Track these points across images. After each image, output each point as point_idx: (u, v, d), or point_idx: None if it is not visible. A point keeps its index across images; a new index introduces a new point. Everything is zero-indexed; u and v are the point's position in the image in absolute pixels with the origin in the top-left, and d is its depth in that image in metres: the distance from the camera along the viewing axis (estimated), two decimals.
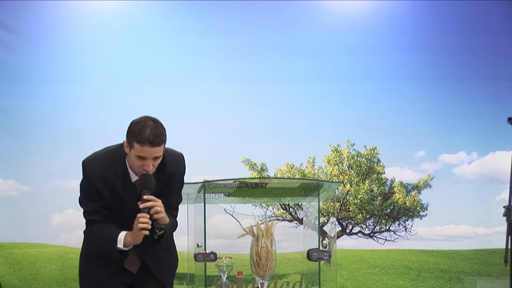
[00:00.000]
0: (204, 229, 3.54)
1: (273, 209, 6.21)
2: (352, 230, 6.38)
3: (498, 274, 6.18)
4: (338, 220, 6.34)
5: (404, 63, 6.28)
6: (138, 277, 3.21)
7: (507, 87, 6.30)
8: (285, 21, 6.24)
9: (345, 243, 6.32)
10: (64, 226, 6.05)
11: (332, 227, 6.12)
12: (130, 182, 3.21)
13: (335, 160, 6.38)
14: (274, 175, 6.27)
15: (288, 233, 5.96)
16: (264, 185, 3.74)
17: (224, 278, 3.56)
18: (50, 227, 6.03)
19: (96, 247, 3.20)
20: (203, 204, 3.57)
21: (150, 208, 3.05)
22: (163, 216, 3.08)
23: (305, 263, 3.72)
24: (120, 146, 3.27)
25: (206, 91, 6.18)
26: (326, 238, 5.78)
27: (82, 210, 3.22)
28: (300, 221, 6.10)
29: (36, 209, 6.02)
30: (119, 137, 6.31)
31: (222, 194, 3.71)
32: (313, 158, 6.36)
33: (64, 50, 6.08)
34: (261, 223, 3.55)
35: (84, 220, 3.25)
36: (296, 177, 6.20)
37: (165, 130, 3.14)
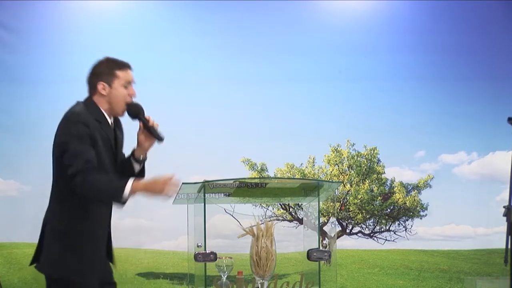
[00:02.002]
0: (204, 229, 3.53)
1: (273, 209, 6.21)
2: (352, 230, 6.38)
3: (498, 274, 6.18)
4: (338, 220, 6.34)
5: (404, 63, 6.28)
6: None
7: (507, 87, 6.30)
8: (285, 21, 6.24)
9: (345, 243, 6.32)
10: None
11: (332, 227, 6.12)
12: (110, 126, 3.38)
13: (335, 160, 6.38)
14: (274, 175, 6.27)
15: (288, 233, 5.96)
16: (264, 185, 3.74)
17: (224, 278, 3.55)
18: None
19: (97, 191, 3.16)
20: (203, 204, 3.57)
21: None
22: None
23: (305, 263, 3.72)
24: (86, 99, 3.45)
25: (206, 91, 6.18)
26: (326, 238, 5.78)
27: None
28: (300, 221, 6.10)
29: (36, 209, 6.00)
30: None
31: (222, 194, 3.71)
32: (313, 158, 6.36)
33: (64, 50, 6.08)
34: (261, 223, 3.55)
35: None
36: (296, 177, 6.20)
37: None
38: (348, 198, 6.38)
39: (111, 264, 3.49)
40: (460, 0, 6.32)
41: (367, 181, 6.40)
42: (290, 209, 6.25)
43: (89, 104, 3.43)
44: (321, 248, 3.64)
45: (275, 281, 3.63)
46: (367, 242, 6.36)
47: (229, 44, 6.16)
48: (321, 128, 6.29)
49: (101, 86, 3.38)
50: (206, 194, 3.59)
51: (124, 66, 3.46)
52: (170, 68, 6.17)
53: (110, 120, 3.41)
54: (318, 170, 6.36)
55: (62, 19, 6.11)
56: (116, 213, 6.15)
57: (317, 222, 3.78)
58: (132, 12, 6.17)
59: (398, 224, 6.38)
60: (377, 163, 6.40)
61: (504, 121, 3.59)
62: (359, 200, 6.35)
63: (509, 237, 3.29)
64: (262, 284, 3.54)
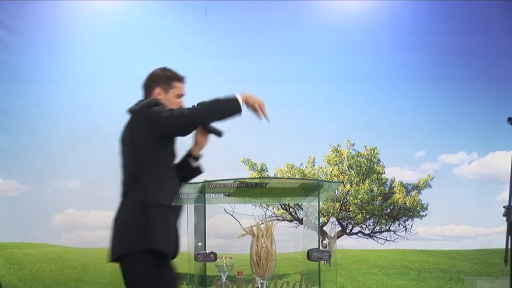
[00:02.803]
0: (204, 229, 3.53)
1: (273, 209, 6.21)
2: (352, 230, 6.38)
3: (498, 274, 6.18)
4: (338, 220, 6.34)
5: (404, 63, 6.28)
6: None
7: (507, 87, 6.30)
8: (285, 21, 6.24)
9: (345, 243, 6.33)
10: (64, 226, 6.05)
11: (332, 227, 6.12)
12: None
13: (335, 160, 6.39)
14: (274, 175, 6.27)
15: (288, 233, 5.96)
16: (264, 185, 3.74)
17: (224, 278, 3.55)
18: (50, 227, 6.03)
19: (214, 113, 3.48)
20: (203, 204, 3.57)
21: None
22: None
23: (305, 263, 3.72)
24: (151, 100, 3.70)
25: (206, 91, 6.14)
26: (326, 238, 5.78)
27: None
28: (300, 221, 6.10)
29: (36, 209, 6.02)
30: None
31: (222, 194, 3.70)
32: (313, 158, 6.36)
33: (64, 50, 6.09)
34: (261, 223, 3.55)
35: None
36: (296, 177, 6.20)
37: None
38: (348, 198, 6.38)
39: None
40: (460, 0, 6.32)
41: (367, 181, 6.40)
42: (290, 209, 6.25)
43: (153, 99, 3.73)
44: (321, 248, 3.64)
45: (275, 281, 3.63)
46: (367, 242, 6.37)
47: (229, 44, 6.17)
48: (321, 128, 6.29)
49: (157, 91, 3.74)
50: (206, 194, 3.58)
51: (181, 79, 3.84)
52: (170, 68, 6.16)
53: None
54: (318, 170, 6.37)
55: (62, 19, 6.12)
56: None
57: (317, 222, 3.78)
58: (132, 12, 6.17)
59: (398, 224, 6.38)
60: (377, 163, 6.40)
61: (504, 121, 3.60)
62: (359, 200, 6.35)
63: (509, 237, 3.30)
64: (262, 284, 3.54)
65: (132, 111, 3.79)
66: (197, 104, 3.54)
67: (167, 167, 3.63)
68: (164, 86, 3.76)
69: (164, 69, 3.84)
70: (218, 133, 3.87)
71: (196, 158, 3.90)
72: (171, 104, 3.71)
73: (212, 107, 3.51)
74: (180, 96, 3.77)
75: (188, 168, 3.88)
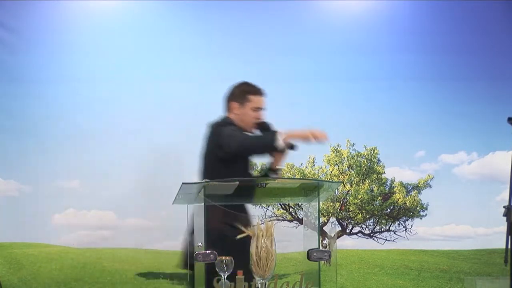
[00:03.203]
0: (204, 229, 3.53)
1: (273, 209, 6.21)
2: (352, 230, 6.38)
3: (498, 274, 6.18)
4: (338, 220, 6.34)
5: (404, 63, 6.28)
6: None
7: (507, 87, 6.30)
8: (285, 21, 6.24)
9: (345, 243, 6.32)
10: (64, 226, 6.05)
11: (332, 227, 6.12)
12: None
13: (335, 160, 6.39)
14: None
15: (288, 233, 5.96)
16: (264, 185, 3.74)
17: (224, 278, 3.55)
18: (50, 227, 6.03)
19: (250, 147, 3.66)
20: (203, 204, 3.57)
21: None
22: None
23: (305, 263, 3.72)
24: (224, 116, 3.94)
25: (206, 91, 6.17)
26: (326, 238, 5.77)
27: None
28: (300, 221, 6.10)
29: (36, 209, 6.01)
30: (120, 137, 6.31)
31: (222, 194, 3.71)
32: (313, 158, 6.36)
33: (64, 50, 6.08)
34: (261, 223, 3.55)
35: None
36: (296, 177, 6.20)
37: None
38: (348, 198, 6.38)
39: None
40: (460, 0, 6.32)
41: (367, 181, 6.40)
42: (290, 209, 6.25)
43: (226, 119, 3.98)
44: (321, 248, 3.64)
45: (275, 281, 3.63)
46: (367, 242, 6.37)
47: (229, 44, 6.16)
48: (321, 128, 6.27)
49: (233, 105, 3.95)
50: (206, 194, 3.58)
51: (256, 91, 3.97)
52: (170, 68, 6.17)
53: None
54: (318, 170, 6.36)
55: (62, 19, 6.11)
56: (116, 213, 6.17)
57: (317, 222, 3.78)
58: (132, 12, 6.17)
59: (398, 224, 6.38)
60: (377, 163, 6.40)
61: (504, 121, 3.60)
62: (359, 200, 6.35)
63: (509, 237, 3.30)
64: (262, 284, 3.54)
65: (210, 125, 4.00)
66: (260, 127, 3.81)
67: None
68: (239, 101, 3.93)
69: (242, 84, 4.01)
70: (291, 147, 3.93)
71: (275, 172, 4.01)
72: (247, 117, 3.90)
73: (249, 142, 3.71)
74: (256, 109, 3.92)
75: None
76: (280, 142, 3.66)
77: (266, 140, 3.69)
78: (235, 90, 3.98)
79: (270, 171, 4.06)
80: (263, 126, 3.93)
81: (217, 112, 6.30)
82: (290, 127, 6.28)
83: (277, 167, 3.98)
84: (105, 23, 6.13)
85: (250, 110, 3.89)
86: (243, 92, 3.93)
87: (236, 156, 3.82)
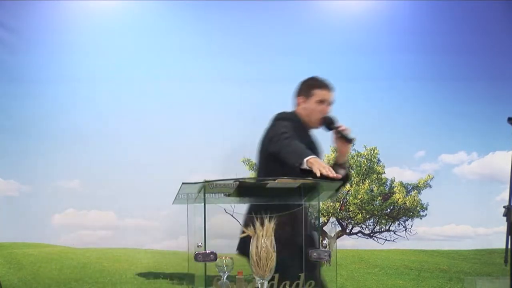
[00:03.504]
0: (204, 229, 3.53)
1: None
2: (352, 230, 6.38)
3: (498, 274, 6.18)
4: (338, 220, 6.34)
5: (404, 63, 6.28)
6: None
7: (507, 87, 6.30)
8: (285, 21, 6.24)
9: (345, 243, 6.32)
10: (64, 226, 6.05)
11: (332, 227, 6.12)
12: (309, 136, 3.95)
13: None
14: None
15: None
16: (264, 185, 3.74)
17: (224, 278, 3.55)
18: (50, 227, 6.03)
19: (285, 150, 3.66)
20: (203, 204, 3.57)
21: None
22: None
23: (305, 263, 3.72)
24: (293, 111, 4.00)
25: (206, 91, 6.18)
26: (326, 238, 5.77)
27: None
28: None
29: (36, 209, 6.02)
30: (120, 137, 6.31)
31: (222, 194, 3.71)
32: None
33: (64, 50, 6.08)
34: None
35: None
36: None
37: None
38: (348, 198, 6.38)
39: None
40: (460, 0, 6.32)
41: (367, 181, 6.40)
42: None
43: (290, 113, 4.04)
44: (321, 248, 3.64)
45: (275, 281, 3.63)
46: (367, 242, 6.37)
47: (229, 44, 6.16)
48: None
49: (299, 100, 4.01)
50: (206, 194, 3.58)
51: (321, 85, 4.00)
52: (170, 68, 6.17)
53: (309, 132, 4.01)
54: None
55: (62, 19, 6.11)
56: (116, 213, 6.17)
57: (317, 222, 3.78)
58: (132, 12, 6.17)
59: (398, 224, 6.37)
60: (377, 163, 6.40)
61: (504, 121, 3.60)
62: (359, 200, 6.35)
63: (509, 237, 3.30)
64: (262, 284, 3.54)
65: (272, 117, 4.07)
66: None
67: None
68: (305, 95, 3.98)
69: (308, 79, 4.04)
70: (350, 140, 4.02)
71: (342, 166, 4.02)
72: (312, 111, 3.97)
73: (284, 151, 3.71)
74: (320, 102, 3.96)
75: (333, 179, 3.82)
76: (303, 166, 3.65)
77: (293, 159, 3.69)
78: (301, 85, 4.04)
79: (335, 166, 4.04)
80: (327, 121, 3.99)
81: (216, 111, 6.32)
82: None
83: (343, 161, 4.02)
84: (105, 23, 6.13)
85: (314, 104, 3.95)
86: (308, 86, 3.98)
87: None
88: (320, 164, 3.56)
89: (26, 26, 6.08)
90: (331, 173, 3.52)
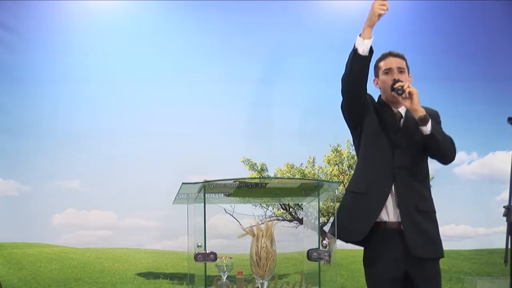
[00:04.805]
0: (204, 229, 3.53)
1: (273, 209, 6.21)
2: None
3: (498, 274, 6.18)
4: None
5: None
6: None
7: (507, 87, 6.30)
8: (285, 21, 6.23)
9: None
10: (64, 226, 6.05)
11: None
12: (393, 114, 3.74)
13: (335, 160, 6.38)
14: (274, 175, 6.27)
15: (288, 233, 5.95)
16: (264, 185, 3.74)
17: (224, 278, 3.55)
18: (50, 227, 6.03)
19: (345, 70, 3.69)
20: (203, 204, 3.57)
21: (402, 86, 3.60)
22: (414, 91, 3.66)
23: (305, 263, 3.72)
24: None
25: (206, 91, 6.18)
26: (326, 238, 5.77)
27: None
28: (300, 221, 6.10)
29: (36, 209, 6.01)
30: (120, 137, 6.31)
31: (222, 194, 3.70)
32: (313, 158, 6.36)
33: (64, 50, 6.08)
34: (261, 223, 3.55)
35: None
36: (296, 177, 6.20)
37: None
38: None
39: None
40: (460, 0, 6.32)
41: None
42: (290, 209, 6.24)
43: (378, 99, 3.87)
44: (321, 248, 3.64)
45: (275, 281, 3.63)
46: None
47: (229, 44, 6.16)
48: (321, 128, 6.28)
49: (375, 81, 3.86)
50: (206, 194, 3.58)
51: (384, 56, 3.88)
52: (170, 68, 6.17)
53: (396, 110, 3.79)
54: (318, 170, 6.36)
55: (62, 19, 6.11)
56: (116, 213, 6.16)
57: (317, 222, 3.78)
58: (132, 12, 6.16)
59: None
60: None
61: (504, 121, 3.59)
62: None
63: (509, 237, 3.29)
64: (262, 284, 3.54)
65: None
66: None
67: (363, 159, 3.71)
68: (375, 74, 3.85)
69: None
70: (394, 90, 3.75)
71: (421, 121, 3.74)
72: (384, 85, 3.77)
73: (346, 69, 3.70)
74: (386, 71, 3.80)
75: (429, 140, 3.79)
76: (360, 42, 3.74)
77: (350, 56, 3.72)
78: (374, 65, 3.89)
79: (418, 124, 3.78)
80: (392, 85, 3.73)
81: (216, 111, 6.32)
82: (290, 126, 6.30)
83: (418, 116, 3.72)
84: (105, 23, 6.13)
85: (383, 76, 3.78)
86: (374, 66, 3.87)
87: (353, 107, 3.78)
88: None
89: (26, 26, 6.08)
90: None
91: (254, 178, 5.89)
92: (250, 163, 6.27)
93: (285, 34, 6.22)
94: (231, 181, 3.62)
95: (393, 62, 3.82)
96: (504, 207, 3.37)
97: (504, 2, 6.29)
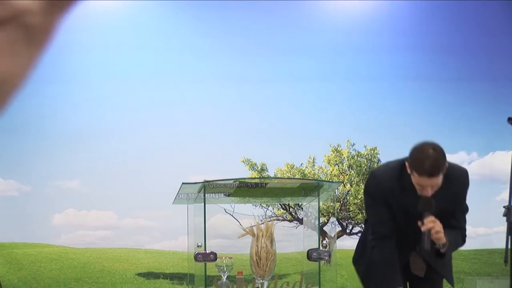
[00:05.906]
0: (204, 229, 3.53)
1: (273, 209, 6.21)
2: (352, 230, 6.37)
3: (498, 274, 6.18)
4: (338, 220, 6.33)
5: (404, 63, 6.28)
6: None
7: (507, 87, 6.30)
8: (286, 21, 6.24)
9: (345, 243, 6.32)
10: (64, 226, 6.05)
11: (332, 227, 6.11)
12: (417, 196, 3.31)
13: (335, 160, 6.38)
14: (274, 175, 6.27)
15: (288, 233, 5.96)
16: (264, 185, 3.74)
17: (224, 278, 3.55)
18: (50, 227, 6.04)
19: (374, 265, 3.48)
20: (203, 204, 3.57)
21: (430, 229, 3.20)
22: (441, 236, 3.24)
23: (305, 263, 3.72)
24: (405, 159, 3.45)
25: (206, 91, 6.18)
26: (326, 238, 5.77)
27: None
28: (300, 221, 6.10)
29: (36, 209, 6.02)
30: (120, 137, 6.34)
31: (222, 194, 3.71)
32: (313, 158, 6.36)
33: (64, 50, 6.08)
34: (261, 223, 3.55)
35: None
36: (296, 177, 6.20)
37: (445, 158, 3.30)
38: (348, 198, 6.38)
39: None
40: (460, 0, 6.32)
41: None
42: (290, 209, 6.24)
43: (405, 178, 3.44)
44: (321, 248, 3.64)
45: (275, 281, 3.63)
46: None
47: (229, 44, 6.16)
48: (321, 128, 6.29)
49: (407, 165, 3.41)
50: (206, 194, 3.59)
51: (421, 173, 3.31)
52: (170, 68, 6.17)
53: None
54: (318, 170, 6.36)
55: (62, 19, 6.11)
56: (116, 213, 6.16)
57: (317, 222, 3.78)
58: (132, 12, 6.16)
59: None
60: (377, 163, 6.40)
61: (504, 121, 3.59)
62: (359, 200, 6.35)
63: (509, 237, 3.29)
64: (262, 284, 3.54)
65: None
66: None
67: (383, 226, 3.40)
68: (409, 166, 3.40)
69: (417, 151, 3.41)
70: (424, 246, 3.44)
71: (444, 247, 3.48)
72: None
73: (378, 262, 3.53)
74: (419, 185, 3.35)
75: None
76: None
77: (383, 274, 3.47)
78: (410, 153, 3.41)
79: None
80: (424, 203, 3.33)
81: (216, 111, 6.32)
82: (290, 126, 6.31)
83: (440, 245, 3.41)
84: (105, 23, 6.13)
85: (414, 179, 3.33)
86: (411, 163, 3.36)
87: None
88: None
89: None
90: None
91: (254, 178, 5.90)
92: (250, 163, 6.28)
93: (286, 34, 6.22)
94: (231, 181, 3.62)
95: (425, 182, 3.32)
96: (504, 207, 3.37)
97: (504, 2, 6.29)
